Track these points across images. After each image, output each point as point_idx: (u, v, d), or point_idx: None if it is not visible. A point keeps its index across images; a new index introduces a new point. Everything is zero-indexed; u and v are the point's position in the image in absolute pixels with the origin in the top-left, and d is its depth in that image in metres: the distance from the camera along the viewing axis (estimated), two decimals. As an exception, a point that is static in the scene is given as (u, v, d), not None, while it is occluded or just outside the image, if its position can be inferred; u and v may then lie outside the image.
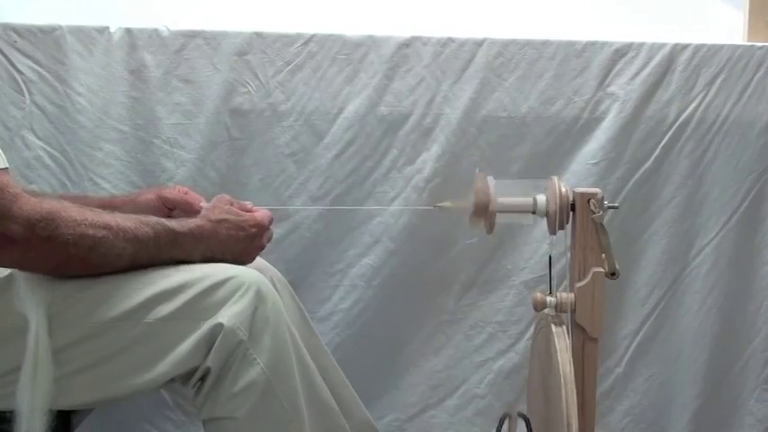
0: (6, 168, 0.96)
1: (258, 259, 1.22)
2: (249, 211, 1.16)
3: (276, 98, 1.51)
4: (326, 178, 1.52)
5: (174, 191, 1.26)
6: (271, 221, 1.18)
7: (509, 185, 1.17)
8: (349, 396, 1.28)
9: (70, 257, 0.97)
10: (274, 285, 1.21)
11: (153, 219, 1.05)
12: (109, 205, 1.21)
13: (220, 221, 1.11)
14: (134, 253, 1.01)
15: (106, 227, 0.99)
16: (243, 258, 1.14)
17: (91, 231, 0.97)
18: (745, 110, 1.59)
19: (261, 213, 1.16)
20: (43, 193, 1.33)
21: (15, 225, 0.94)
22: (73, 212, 0.97)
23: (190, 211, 1.22)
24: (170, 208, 1.24)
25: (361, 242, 1.55)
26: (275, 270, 1.29)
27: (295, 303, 1.29)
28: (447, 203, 1.22)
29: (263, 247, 1.18)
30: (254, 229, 1.14)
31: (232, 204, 1.15)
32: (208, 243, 1.09)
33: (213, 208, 1.13)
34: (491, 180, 1.14)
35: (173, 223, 1.06)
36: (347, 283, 1.55)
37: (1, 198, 0.93)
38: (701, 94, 1.58)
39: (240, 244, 1.13)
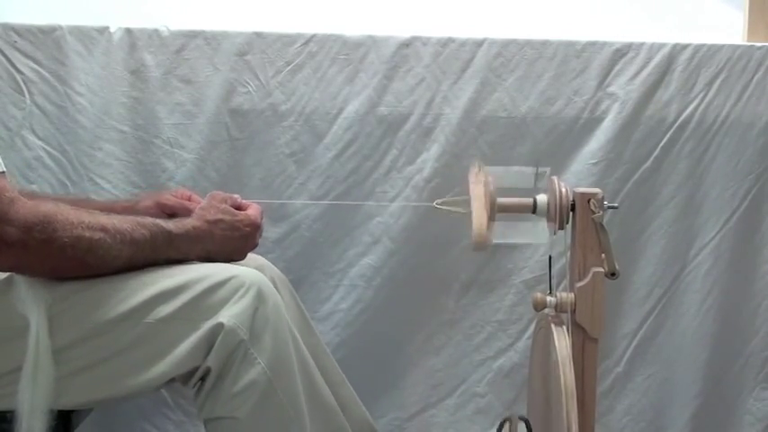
0: (4, 172, 0.96)
1: (258, 257, 1.23)
2: (240, 206, 1.17)
3: (276, 98, 1.51)
4: (326, 178, 1.52)
5: (172, 198, 1.25)
6: (262, 216, 1.19)
7: (507, 173, 1.19)
8: (347, 395, 1.28)
9: (67, 260, 0.97)
10: (274, 284, 1.22)
11: (149, 220, 1.06)
12: (110, 210, 1.22)
13: (216, 222, 1.12)
14: (131, 255, 1.02)
15: (103, 229, 0.99)
16: (236, 257, 1.15)
17: (87, 234, 0.98)
18: (744, 110, 1.58)
19: (254, 211, 1.18)
20: (43, 194, 1.33)
21: (12, 228, 0.94)
22: (69, 215, 0.97)
23: (188, 215, 1.21)
24: (169, 214, 1.24)
25: (361, 242, 1.54)
26: (275, 268, 1.30)
27: (295, 302, 1.29)
28: (447, 199, 1.23)
29: (256, 245, 1.19)
30: (248, 229, 1.15)
31: (226, 202, 1.15)
32: (204, 244, 1.10)
33: (209, 207, 1.14)
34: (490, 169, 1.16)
35: (169, 225, 1.07)
36: (347, 282, 1.55)
37: None
38: (701, 95, 1.58)
39: (234, 243, 1.14)
